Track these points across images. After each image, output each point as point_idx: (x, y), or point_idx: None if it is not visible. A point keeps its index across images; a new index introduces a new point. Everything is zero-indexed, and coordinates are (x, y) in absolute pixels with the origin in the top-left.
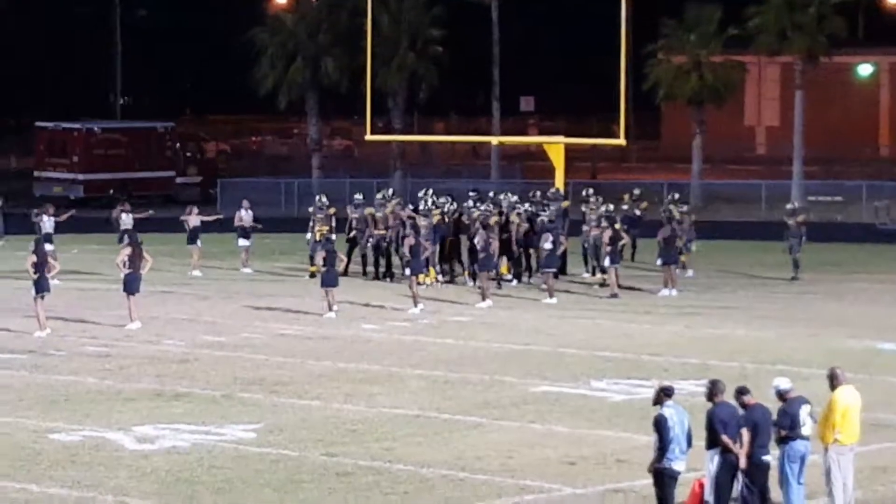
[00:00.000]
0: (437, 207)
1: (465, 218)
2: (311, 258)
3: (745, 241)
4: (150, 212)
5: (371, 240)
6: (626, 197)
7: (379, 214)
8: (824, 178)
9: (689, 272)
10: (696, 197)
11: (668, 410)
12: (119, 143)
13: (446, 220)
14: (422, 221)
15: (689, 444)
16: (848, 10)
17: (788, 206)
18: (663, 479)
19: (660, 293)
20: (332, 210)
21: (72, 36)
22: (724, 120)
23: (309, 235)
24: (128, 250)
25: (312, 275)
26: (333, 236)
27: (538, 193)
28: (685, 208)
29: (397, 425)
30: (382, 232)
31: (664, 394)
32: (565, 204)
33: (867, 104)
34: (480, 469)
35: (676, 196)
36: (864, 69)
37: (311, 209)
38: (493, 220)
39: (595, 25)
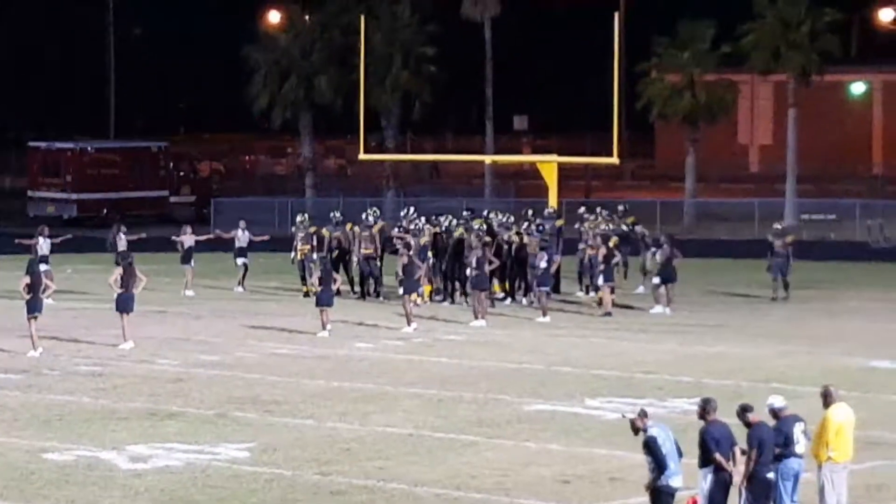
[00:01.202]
0: (431, 225)
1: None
2: (303, 277)
3: (738, 260)
4: (143, 235)
5: (357, 258)
6: (614, 216)
7: (365, 234)
8: (817, 197)
9: (640, 288)
10: (690, 215)
11: (655, 430)
12: (112, 163)
13: (435, 239)
14: (411, 240)
15: (681, 455)
16: (841, 29)
17: (776, 226)
18: (661, 497)
19: (652, 310)
20: (313, 229)
21: (66, 55)
22: (718, 138)
23: (293, 255)
24: (120, 270)
25: (307, 294)
26: (315, 255)
27: (530, 212)
28: (630, 219)
29: (391, 444)
30: (369, 251)
31: (642, 417)
32: (560, 222)
33: (860, 122)
34: (475, 488)
35: (622, 208)
36: (857, 87)
37: (293, 228)
38: (485, 240)
39: (588, 44)
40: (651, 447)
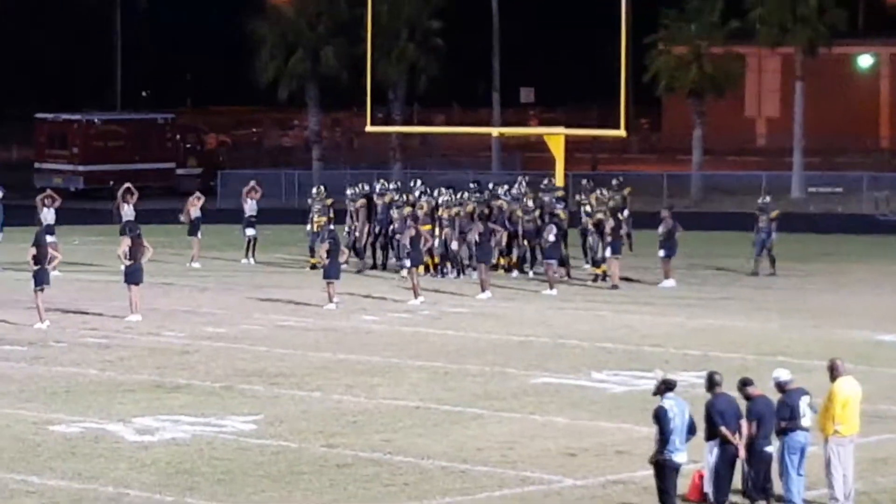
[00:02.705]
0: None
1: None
2: (311, 249)
3: (745, 233)
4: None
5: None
6: (610, 192)
7: (350, 208)
8: (824, 170)
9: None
10: (697, 188)
11: (668, 402)
12: (119, 135)
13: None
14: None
15: (693, 434)
16: (848, 2)
17: (760, 201)
18: (664, 471)
19: (661, 285)
20: (329, 201)
21: (73, 27)
22: (725, 111)
23: (308, 227)
24: (128, 241)
25: (313, 266)
26: (332, 226)
27: (524, 183)
28: (626, 190)
29: (397, 417)
30: (356, 224)
31: (665, 387)
32: (559, 194)
33: (867, 95)
34: (481, 460)
35: (616, 182)
36: (865, 60)
37: (309, 200)
38: (469, 208)
39: (596, 16)
40: (658, 418)
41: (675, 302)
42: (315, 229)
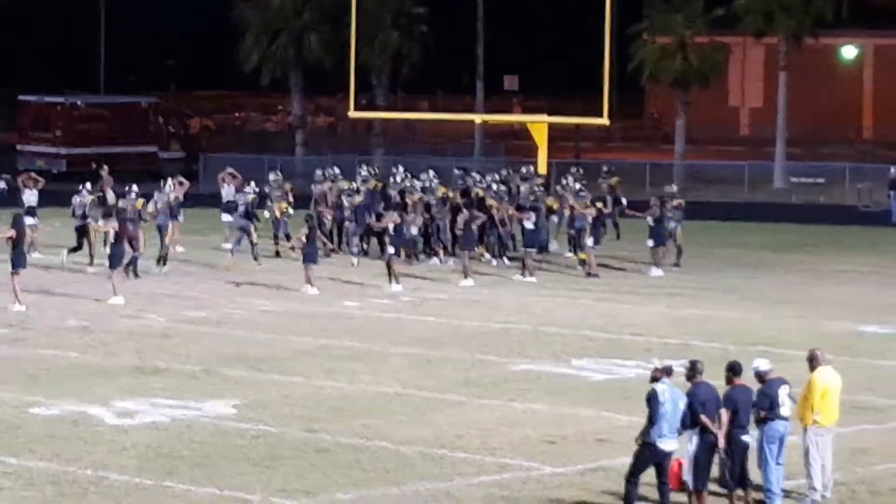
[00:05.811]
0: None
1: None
2: (275, 236)
3: (728, 222)
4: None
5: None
6: (599, 179)
7: (316, 191)
8: (807, 160)
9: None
10: (680, 177)
11: (661, 386)
12: (102, 118)
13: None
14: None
15: (684, 426)
16: None
17: (667, 189)
18: (643, 454)
19: (651, 273)
20: (288, 186)
21: (57, 10)
22: (709, 101)
23: (268, 214)
24: (115, 224)
25: (278, 253)
26: (291, 211)
27: (509, 171)
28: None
29: (378, 403)
30: (328, 211)
31: (664, 372)
32: (539, 182)
33: (851, 86)
34: (460, 447)
35: (606, 169)
36: (849, 51)
37: (266, 188)
38: (441, 194)
39: (580, 5)
40: (649, 401)
41: (657, 291)
42: (277, 215)
